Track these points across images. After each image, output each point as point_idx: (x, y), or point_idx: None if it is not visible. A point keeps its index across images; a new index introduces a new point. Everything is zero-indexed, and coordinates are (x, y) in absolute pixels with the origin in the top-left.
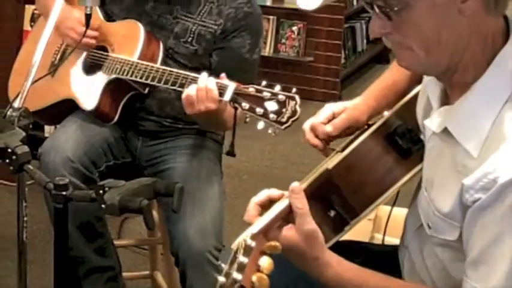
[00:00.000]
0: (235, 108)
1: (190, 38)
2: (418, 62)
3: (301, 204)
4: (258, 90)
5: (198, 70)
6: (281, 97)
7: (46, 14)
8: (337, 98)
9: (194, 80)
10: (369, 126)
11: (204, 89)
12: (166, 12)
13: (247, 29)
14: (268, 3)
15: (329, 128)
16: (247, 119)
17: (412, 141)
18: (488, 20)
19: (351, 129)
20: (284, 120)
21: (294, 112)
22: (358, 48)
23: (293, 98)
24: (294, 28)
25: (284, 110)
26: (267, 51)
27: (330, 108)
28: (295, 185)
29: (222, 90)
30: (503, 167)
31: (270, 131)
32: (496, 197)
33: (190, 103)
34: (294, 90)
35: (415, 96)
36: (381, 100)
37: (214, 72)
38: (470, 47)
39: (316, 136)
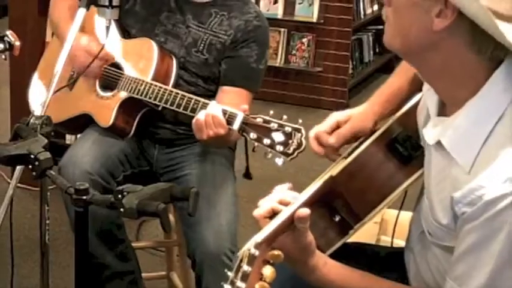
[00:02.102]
0: (244, 137)
1: (201, 47)
2: (393, 42)
3: (303, 225)
4: (265, 121)
5: (208, 79)
6: (287, 129)
7: (57, 34)
8: (345, 107)
9: (204, 106)
10: (374, 132)
11: (210, 114)
12: (180, 21)
13: (255, 41)
14: (280, 16)
15: (331, 140)
16: (255, 149)
17: (412, 147)
18: (470, 55)
19: (356, 137)
20: (290, 151)
21: (300, 144)
22: (365, 59)
23: (299, 130)
24: (304, 40)
25: (290, 141)
26: (278, 62)
27: (334, 117)
28: (303, 211)
29: (231, 119)
30: (490, 185)
31: (276, 161)
32: (480, 212)
33: (199, 128)
34: (300, 121)
35: (416, 104)
36: (386, 106)
37: (222, 80)
38: (450, 71)
39: (320, 144)
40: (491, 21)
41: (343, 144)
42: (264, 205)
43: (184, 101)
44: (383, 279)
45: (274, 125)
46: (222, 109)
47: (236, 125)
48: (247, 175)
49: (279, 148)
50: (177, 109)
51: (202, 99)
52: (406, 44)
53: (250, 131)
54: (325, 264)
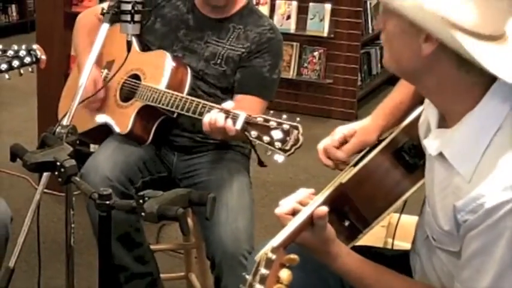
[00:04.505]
0: (246, 136)
1: (219, 60)
2: (389, 65)
3: (323, 222)
4: (265, 120)
5: (226, 89)
6: (285, 126)
7: (77, 59)
8: (354, 117)
9: (211, 109)
10: (380, 141)
11: (212, 123)
12: (198, 38)
13: (268, 51)
14: (292, 31)
15: (341, 155)
16: (256, 146)
17: (418, 156)
18: (461, 75)
19: (362, 150)
20: (288, 147)
21: (297, 140)
22: (373, 71)
23: (296, 128)
24: (315, 53)
25: (288, 138)
26: (291, 74)
27: (341, 131)
28: (322, 210)
29: (234, 119)
30: (490, 193)
31: (275, 158)
32: (482, 219)
33: (207, 132)
34: (298, 119)
35: (419, 115)
36: (389, 118)
37: (237, 89)
38: (445, 90)
39: (329, 157)
40: (460, 46)
41: (351, 156)
42: (286, 204)
43: (193, 105)
44: (402, 276)
45: (273, 124)
46: (225, 110)
47: (239, 125)
48: (262, 164)
49: (278, 145)
50: (186, 113)
51: (209, 103)
52: (400, 68)
53: (251, 129)
54: (349, 254)
